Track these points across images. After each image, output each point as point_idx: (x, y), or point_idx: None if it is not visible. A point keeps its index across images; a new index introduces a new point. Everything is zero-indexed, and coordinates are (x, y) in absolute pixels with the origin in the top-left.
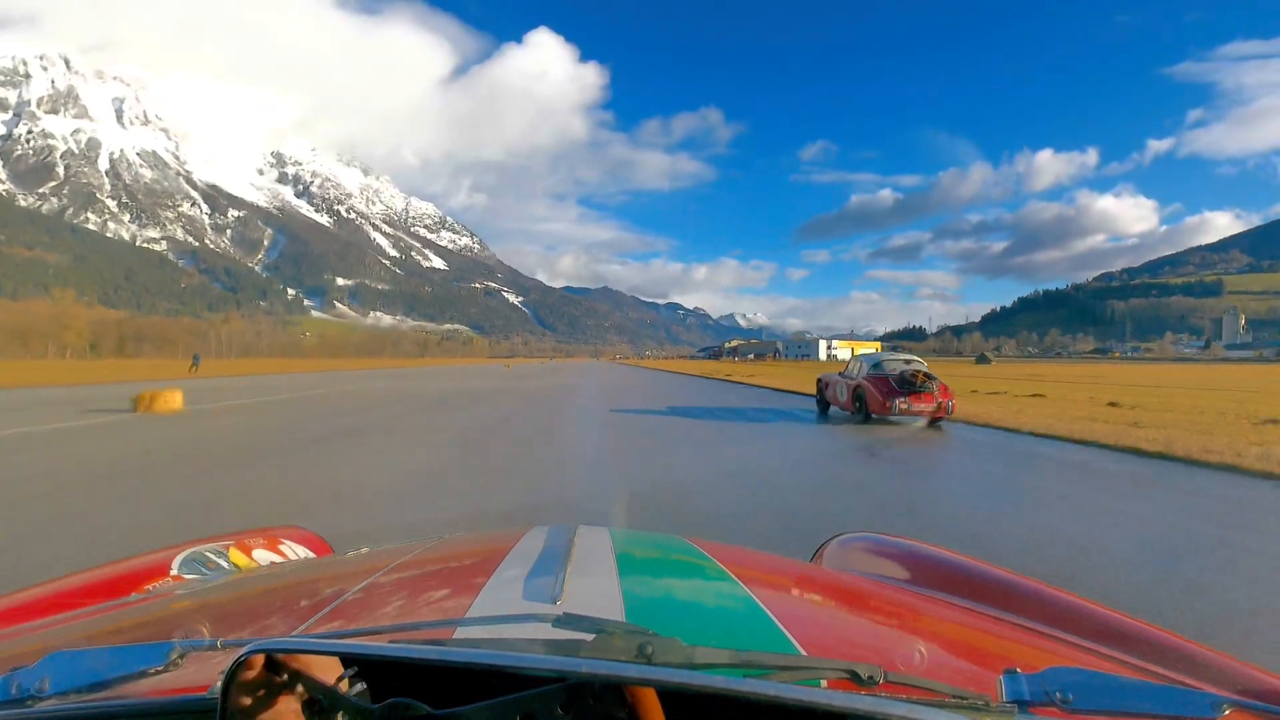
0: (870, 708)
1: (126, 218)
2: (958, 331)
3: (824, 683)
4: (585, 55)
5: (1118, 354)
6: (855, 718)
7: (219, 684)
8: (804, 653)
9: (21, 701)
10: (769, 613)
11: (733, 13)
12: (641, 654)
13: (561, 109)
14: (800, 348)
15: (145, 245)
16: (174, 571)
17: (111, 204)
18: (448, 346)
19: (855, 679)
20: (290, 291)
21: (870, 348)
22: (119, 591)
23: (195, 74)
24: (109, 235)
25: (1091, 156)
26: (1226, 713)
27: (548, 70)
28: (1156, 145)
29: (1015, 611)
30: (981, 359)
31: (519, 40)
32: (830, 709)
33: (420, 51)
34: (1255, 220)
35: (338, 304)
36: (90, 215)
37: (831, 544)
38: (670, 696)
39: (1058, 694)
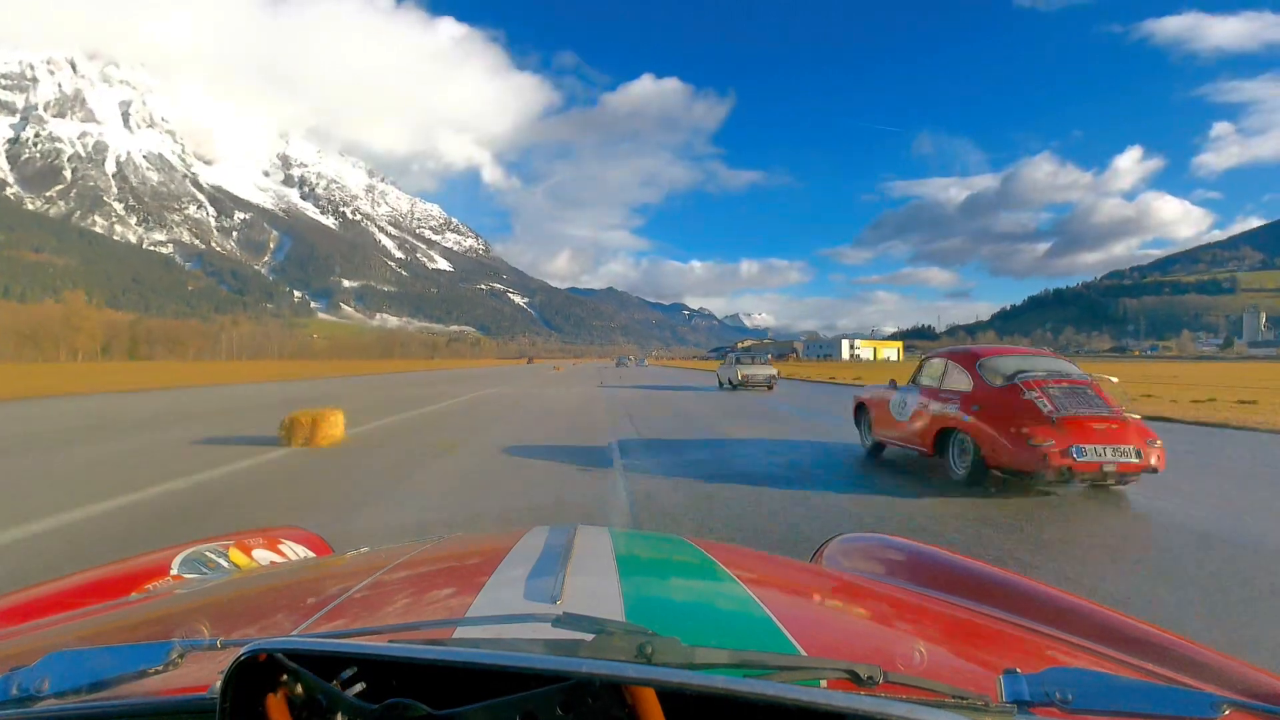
0: (870, 708)
1: (133, 221)
2: (970, 330)
3: (824, 683)
4: (589, 58)
5: (1136, 352)
6: (855, 718)
7: (219, 684)
8: (804, 653)
9: (21, 701)
10: (769, 613)
11: (744, 9)
12: (641, 654)
13: (562, 110)
14: (821, 347)
15: (152, 248)
16: (174, 571)
17: (118, 207)
18: (456, 348)
19: (855, 679)
20: (296, 294)
21: (892, 346)
22: (119, 591)
23: (202, 77)
24: (116, 238)
25: (1093, 159)
26: (1226, 713)
27: (552, 70)
28: (1156, 149)
29: (1015, 611)
30: None
31: (519, 38)
32: (830, 709)
33: (424, 52)
34: (1253, 222)
35: (344, 306)
36: (97, 218)
37: (831, 544)
38: (670, 696)
39: (1057, 694)
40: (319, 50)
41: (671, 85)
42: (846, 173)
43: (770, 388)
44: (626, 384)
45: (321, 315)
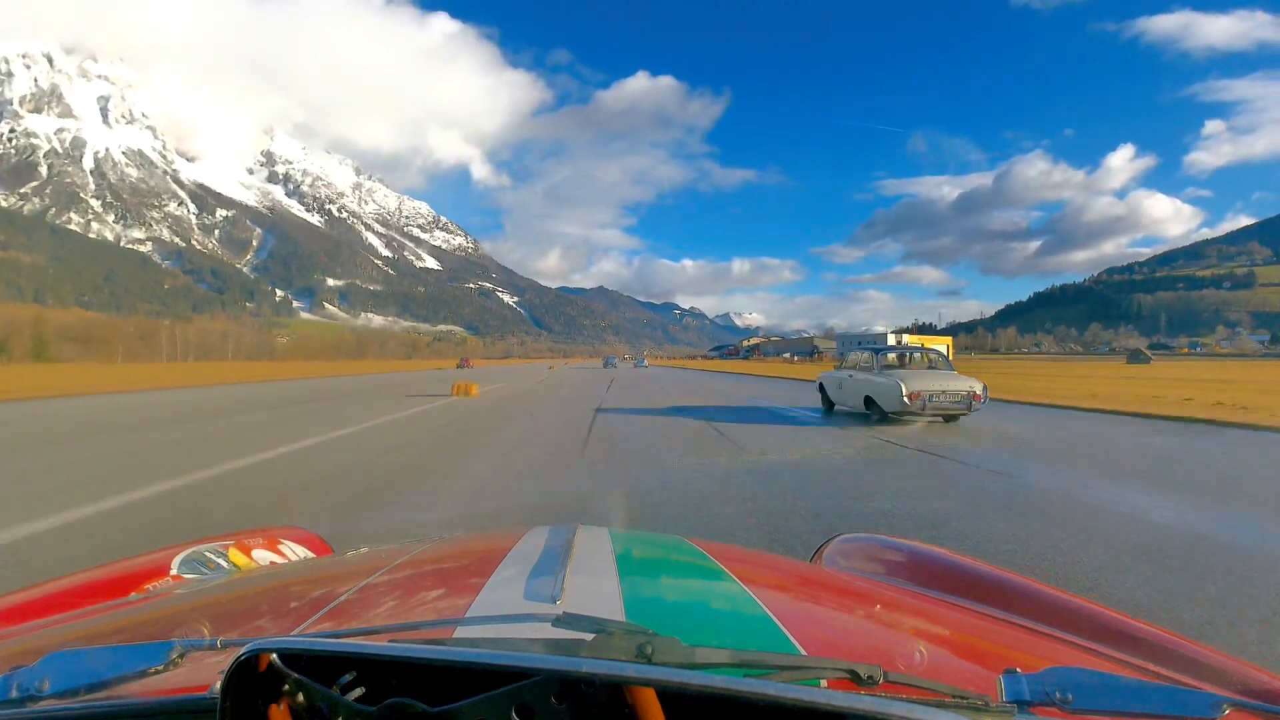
0: (870, 707)
1: (111, 218)
2: (989, 327)
3: (824, 683)
4: (583, 56)
5: (1185, 350)
6: (855, 717)
7: (219, 684)
8: (804, 653)
9: (21, 702)
10: (769, 613)
11: (741, 7)
12: (641, 654)
13: (554, 107)
14: (859, 344)
15: (129, 246)
16: (174, 571)
17: (96, 204)
18: (439, 348)
19: (855, 679)
20: (279, 293)
21: (941, 343)
22: (119, 591)
23: (183, 71)
24: (92, 236)
25: (1086, 158)
26: (1226, 713)
27: (546, 67)
28: (1148, 147)
29: (1015, 611)
30: (1136, 357)
31: (513, 35)
32: (830, 709)
33: (415, 48)
34: (1243, 220)
35: (328, 305)
36: (73, 215)
37: (832, 544)
38: (670, 696)
39: (1057, 694)
40: (306, 45)
41: (666, 83)
42: (840, 171)
43: (957, 418)
44: (667, 408)
45: (304, 315)
